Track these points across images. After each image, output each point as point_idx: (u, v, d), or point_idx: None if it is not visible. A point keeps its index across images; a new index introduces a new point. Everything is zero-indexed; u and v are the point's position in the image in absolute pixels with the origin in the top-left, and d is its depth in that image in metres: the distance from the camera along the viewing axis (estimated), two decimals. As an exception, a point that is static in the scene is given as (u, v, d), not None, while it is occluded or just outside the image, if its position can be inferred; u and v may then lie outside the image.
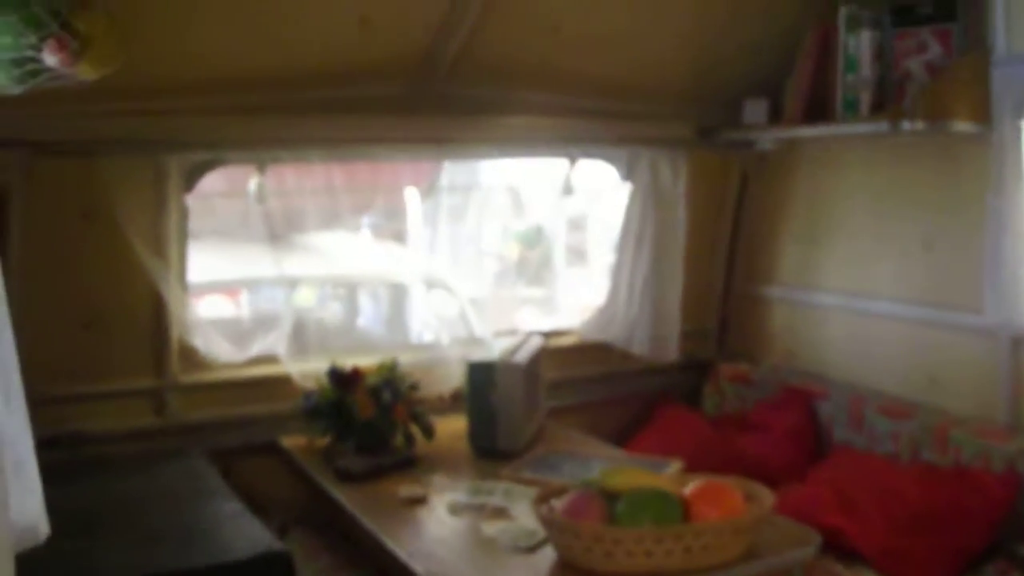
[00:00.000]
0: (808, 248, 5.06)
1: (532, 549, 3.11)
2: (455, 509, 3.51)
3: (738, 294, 5.41)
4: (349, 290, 6.42)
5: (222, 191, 4.56)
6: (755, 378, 5.12)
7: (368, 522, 3.42)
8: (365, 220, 5.86)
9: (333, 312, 6.28)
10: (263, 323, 4.73)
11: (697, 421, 5.04)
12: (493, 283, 6.00)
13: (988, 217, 4.13)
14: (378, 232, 6.36)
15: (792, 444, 4.65)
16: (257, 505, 3.53)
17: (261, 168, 4.29)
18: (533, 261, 7.96)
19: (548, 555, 3.06)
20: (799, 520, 3.34)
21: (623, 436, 4.99)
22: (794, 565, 3.11)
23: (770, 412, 4.84)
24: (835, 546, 3.82)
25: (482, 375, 4.09)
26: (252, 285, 6.24)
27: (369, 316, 6.77)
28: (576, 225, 10.61)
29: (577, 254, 10.57)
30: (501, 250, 8.47)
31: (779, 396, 4.93)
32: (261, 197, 4.31)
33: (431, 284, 5.43)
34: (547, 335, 4.90)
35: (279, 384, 4.42)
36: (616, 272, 5.15)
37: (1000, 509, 3.92)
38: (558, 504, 3.03)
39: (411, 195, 5.98)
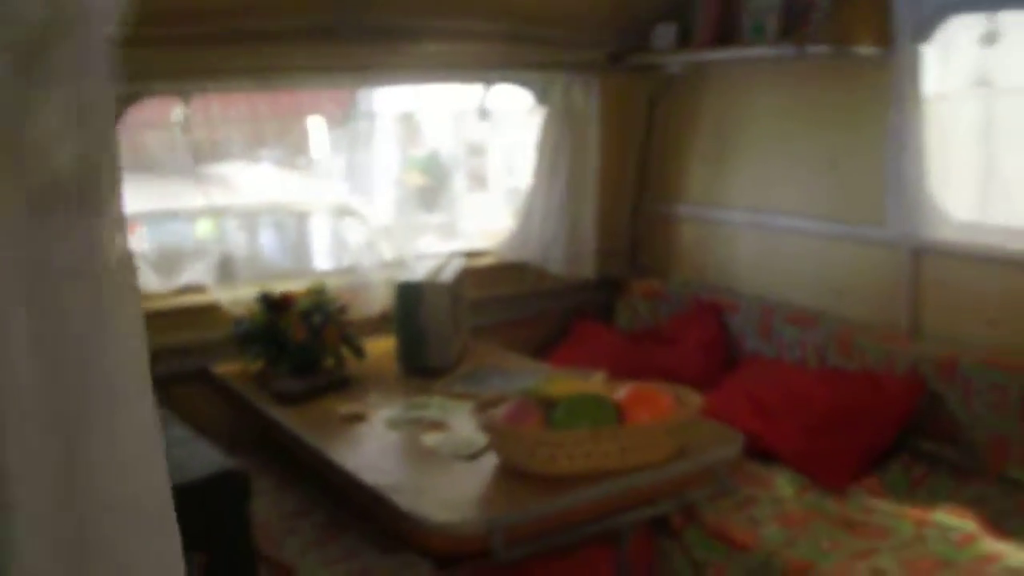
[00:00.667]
0: (716, 168, 5.24)
1: (473, 457, 3.27)
2: (394, 424, 3.63)
3: (649, 213, 5.59)
4: (250, 220, 6.44)
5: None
6: (667, 293, 5.32)
7: (312, 440, 3.53)
8: (268, 151, 5.88)
9: (243, 242, 6.31)
10: (186, 255, 4.76)
11: (612, 335, 5.23)
12: (395, 210, 6.08)
13: (888, 136, 4.34)
14: (284, 162, 6.39)
15: (704, 355, 4.85)
16: (195, 431, 3.58)
17: (186, 99, 4.34)
18: (433, 188, 8.07)
19: (489, 461, 3.21)
20: (716, 425, 3.55)
21: (542, 352, 5.16)
22: (720, 463, 3.31)
23: (682, 325, 5.04)
24: (751, 449, 4.03)
25: (410, 295, 4.20)
26: (151, 218, 6.22)
27: (277, 246, 6.80)
28: (476, 151, 10.67)
29: (478, 180, 10.63)
30: (402, 177, 8.54)
31: (690, 310, 5.13)
32: (186, 128, 4.37)
33: (342, 212, 5.51)
34: (467, 256, 5.02)
35: (208, 312, 4.50)
36: (531, 193, 5.29)
37: (904, 409, 4.17)
38: (498, 412, 3.18)
39: (317, 124, 6.03)
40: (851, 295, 4.61)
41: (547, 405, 3.13)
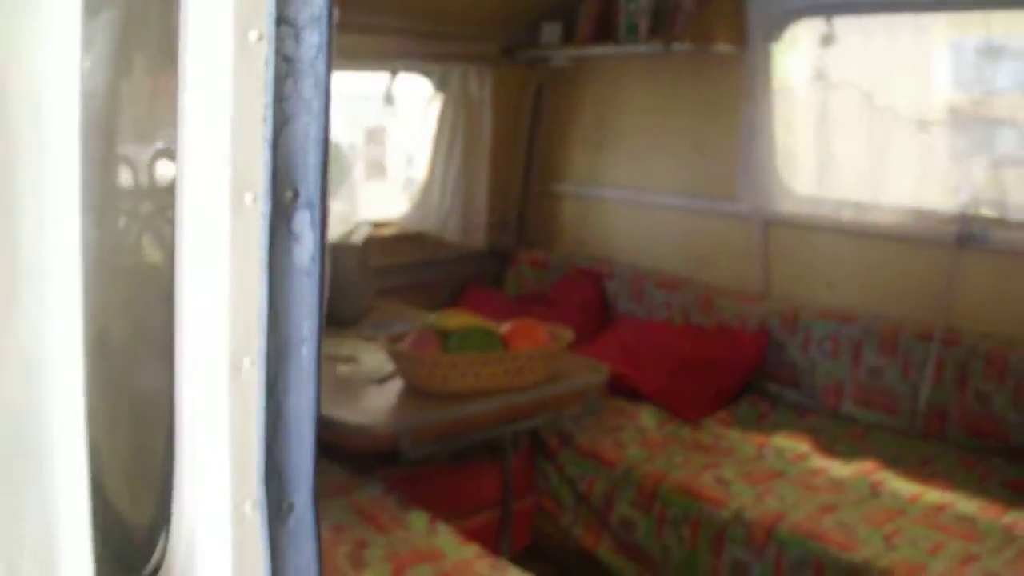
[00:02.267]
0: (595, 151, 5.88)
1: (382, 381, 3.85)
2: (313, 359, 4.19)
3: (535, 191, 6.20)
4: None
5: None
6: (551, 262, 5.94)
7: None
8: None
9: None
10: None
11: (502, 299, 5.83)
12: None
13: (743, 122, 5.03)
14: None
15: (583, 315, 5.46)
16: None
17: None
18: (330, 176, 8.57)
19: (396, 384, 3.80)
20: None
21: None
22: (589, 387, 3.94)
23: (564, 290, 5.66)
24: (621, 389, 4.69)
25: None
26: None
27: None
28: (376, 139, 11.15)
29: (377, 168, 11.11)
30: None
31: (571, 277, 5.77)
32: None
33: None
34: (373, 225, 5.59)
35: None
36: (430, 170, 5.87)
37: (753, 357, 4.87)
38: (403, 342, 3.78)
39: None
40: (711, 262, 5.29)
41: (443, 335, 3.72)
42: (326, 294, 1.19)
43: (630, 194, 5.69)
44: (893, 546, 3.50)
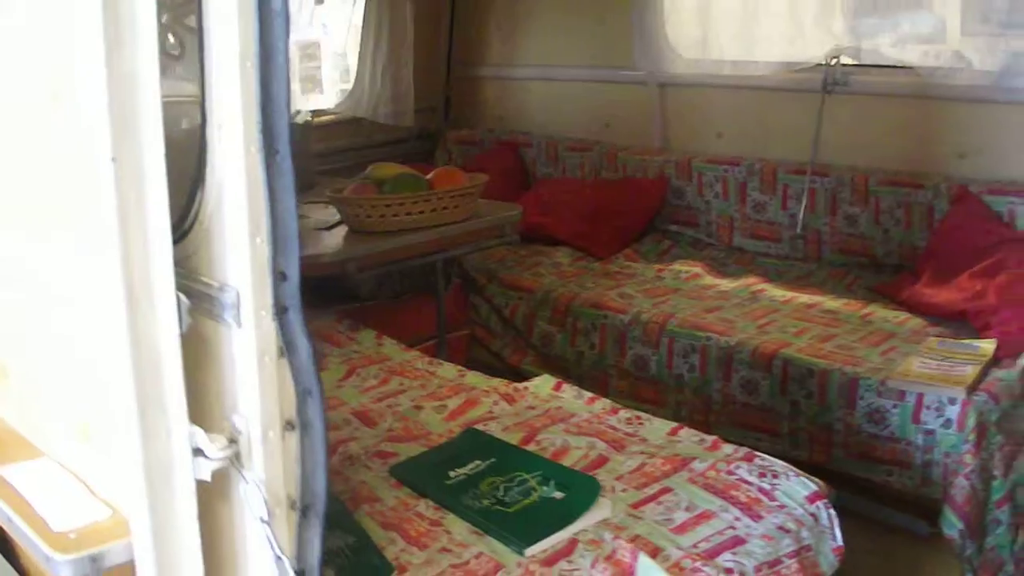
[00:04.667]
0: (509, 33, 6.49)
1: (330, 228, 4.47)
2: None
3: (458, 76, 6.80)
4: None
5: None
6: (475, 139, 6.57)
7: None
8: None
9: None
10: None
11: (433, 174, 6.46)
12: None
13: (634, -4, 5.64)
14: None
15: (506, 181, 6.06)
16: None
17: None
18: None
19: (342, 230, 4.43)
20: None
21: (377, 191, 6.36)
22: (504, 222, 4.58)
23: (488, 161, 6.25)
24: (540, 237, 5.37)
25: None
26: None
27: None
28: (309, 54, 11.59)
29: (312, 82, 11.57)
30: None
31: (494, 150, 6.39)
32: None
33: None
34: (312, 113, 6.19)
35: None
36: (361, 60, 6.44)
37: (655, 201, 5.54)
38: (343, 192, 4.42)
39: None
40: (616, 124, 5.95)
41: (378, 183, 4.36)
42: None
43: (542, 71, 6.31)
44: (765, 331, 4.19)
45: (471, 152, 6.51)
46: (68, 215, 1.74)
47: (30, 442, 2.10)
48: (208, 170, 1.61)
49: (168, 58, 1.69)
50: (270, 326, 1.59)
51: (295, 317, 1.60)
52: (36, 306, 2.02)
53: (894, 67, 4.78)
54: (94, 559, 1.68)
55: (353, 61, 6.59)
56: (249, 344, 1.58)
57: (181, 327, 1.56)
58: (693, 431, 3.12)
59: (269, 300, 1.58)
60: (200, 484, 1.62)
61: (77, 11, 1.48)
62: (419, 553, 2.49)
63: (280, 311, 1.59)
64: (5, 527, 1.91)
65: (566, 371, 4.60)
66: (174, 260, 1.57)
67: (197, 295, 1.63)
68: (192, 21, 1.60)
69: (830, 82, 4.93)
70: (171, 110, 1.61)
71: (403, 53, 6.40)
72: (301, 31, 7.32)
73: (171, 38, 1.72)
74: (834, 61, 4.93)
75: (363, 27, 6.41)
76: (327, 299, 4.45)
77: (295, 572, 1.64)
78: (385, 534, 2.58)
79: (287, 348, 1.61)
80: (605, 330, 4.53)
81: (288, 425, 1.63)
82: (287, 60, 1.53)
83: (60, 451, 1.99)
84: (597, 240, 5.35)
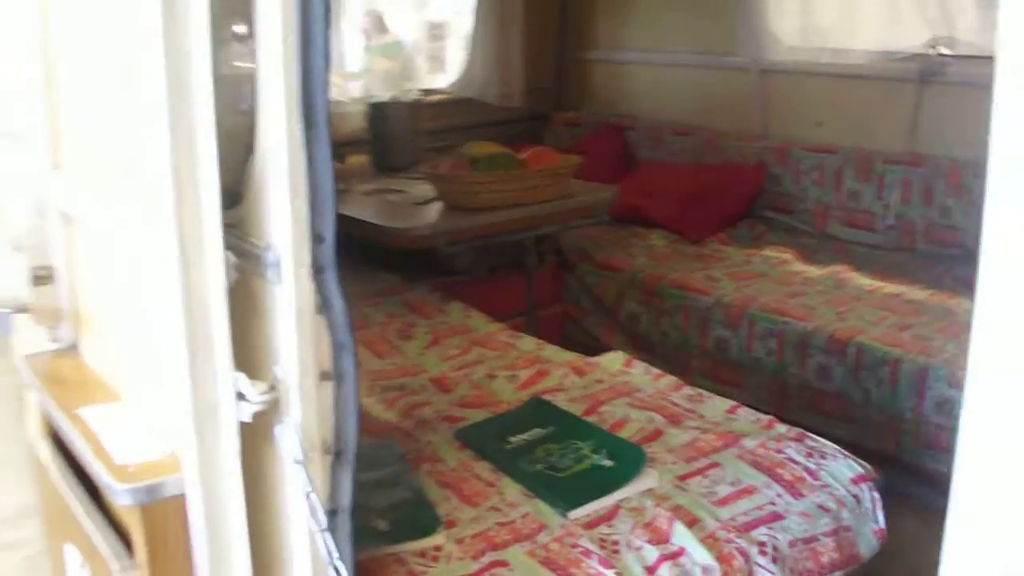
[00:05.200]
0: (617, 19, 6.61)
1: (425, 203, 4.66)
2: (369, 192, 5.02)
3: (568, 59, 6.94)
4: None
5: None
6: (582, 121, 6.70)
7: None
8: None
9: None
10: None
11: (541, 153, 6.62)
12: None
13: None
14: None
15: (611, 164, 6.20)
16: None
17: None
18: (395, 71, 9.32)
19: (437, 206, 4.61)
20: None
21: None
22: (596, 203, 4.73)
23: (593, 144, 6.39)
24: (637, 219, 5.50)
25: (379, 111, 5.56)
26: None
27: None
28: (436, 34, 11.80)
29: (438, 62, 11.78)
30: (369, 64, 9.81)
31: (600, 132, 6.51)
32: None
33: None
34: (425, 92, 6.38)
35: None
36: (473, 41, 6.62)
37: (751, 187, 5.62)
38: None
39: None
40: (717, 110, 6.02)
41: (473, 161, 4.53)
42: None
43: (647, 55, 6.41)
44: (843, 318, 4.26)
45: (578, 134, 6.63)
46: (134, 184, 1.93)
47: (109, 386, 2.31)
48: (257, 140, 1.78)
49: (237, 39, 1.86)
50: (308, 284, 1.76)
51: (331, 276, 1.77)
52: (113, 266, 2.23)
53: (991, 58, 4.78)
54: (149, 489, 1.87)
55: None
56: (289, 300, 1.75)
57: (228, 282, 1.73)
58: (751, 410, 3.22)
59: (307, 260, 1.75)
60: (244, 427, 1.79)
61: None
62: (470, 511, 2.65)
63: (318, 270, 1.76)
64: (79, 460, 2.13)
65: (651, 351, 4.73)
66: (229, 222, 1.76)
67: (246, 255, 1.80)
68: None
69: (927, 72, 4.97)
70: (242, 87, 1.80)
71: (513, 35, 6.56)
72: (430, 10, 7.47)
73: (240, 21, 1.89)
74: (931, 50, 4.97)
75: (476, 9, 6.58)
76: (424, 273, 4.62)
77: (327, 511, 1.81)
78: (441, 492, 2.75)
79: (324, 305, 1.78)
80: (689, 311, 4.64)
81: (323, 375, 1.80)
82: (326, 41, 1.70)
83: (132, 395, 2.19)
84: (692, 223, 5.45)
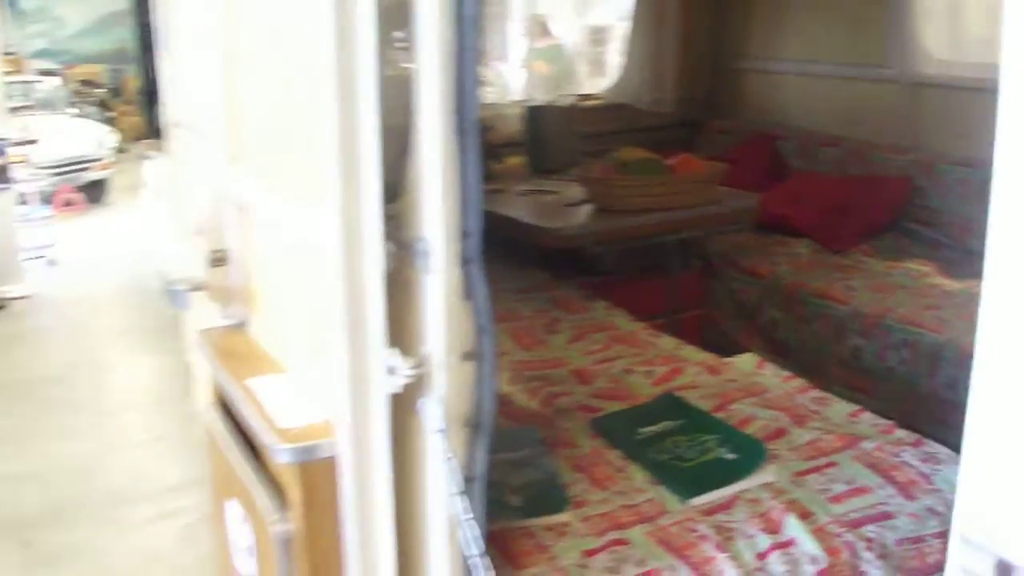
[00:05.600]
0: (770, 29, 6.76)
1: (576, 205, 4.89)
2: (523, 193, 5.27)
3: (722, 67, 7.10)
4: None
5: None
6: (733, 129, 6.86)
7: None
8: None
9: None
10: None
11: (691, 160, 6.80)
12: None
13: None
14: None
15: (761, 172, 6.34)
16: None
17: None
18: (555, 75, 9.58)
19: (587, 208, 4.84)
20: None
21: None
22: (739, 210, 4.91)
23: (744, 152, 6.54)
24: (784, 228, 5.64)
25: (537, 114, 5.81)
26: None
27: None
28: (597, 39, 12.03)
29: (597, 66, 12.00)
30: (530, 66, 10.09)
31: (751, 141, 6.66)
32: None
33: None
34: (581, 96, 6.62)
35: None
36: (628, 48, 6.84)
37: (897, 199, 5.72)
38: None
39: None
40: (866, 121, 6.14)
41: (623, 165, 4.75)
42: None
43: (799, 66, 6.56)
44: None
45: (728, 142, 6.79)
46: (304, 178, 2.21)
47: (273, 360, 2.60)
48: (414, 144, 2.03)
49: (398, 51, 2.11)
50: (455, 273, 1.99)
51: (476, 267, 2.01)
52: (281, 250, 2.52)
53: None
54: (306, 450, 2.14)
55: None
56: (438, 287, 2.00)
57: (385, 269, 1.99)
58: (873, 415, 3.37)
59: (456, 252, 1.99)
60: (393, 398, 2.04)
61: (316, 12, 1.93)
62: (599, 493, 2.88)
63: (464, 262, 1.99)
64: (245, 424, 2.42)
65: (788, 356, 4.88)
66: (389, 215, 2.01)
67: (403, 245, 2.05)
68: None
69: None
70: (403, 88, 2.05)
71: (668, 43, 6.76)
72: (592, 16, 7.68)
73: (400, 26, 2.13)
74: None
75: (633, 16, 6.79)
76: (571, 271, 4.84)
77: (464, 478, 2.06)
78: (574, 475, 2.98)
79: (468, 292, 2.01)
80: (827, 319, 4.78)
81: (466, 355, 2.04)
82: (476, 56, 1.92)
83: (296, 367, 2.47)
84: (837, 234, 5.57)
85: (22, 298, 10.14)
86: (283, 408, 2.30)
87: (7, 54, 12.38)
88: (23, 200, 11.42)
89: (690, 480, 2.92)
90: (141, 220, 10.69)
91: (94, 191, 14.79)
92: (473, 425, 2.08)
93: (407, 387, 2.03)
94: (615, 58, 11.83)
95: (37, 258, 11.31)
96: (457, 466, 2.02)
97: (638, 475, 2.99)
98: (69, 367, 8.17)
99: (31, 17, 22.78)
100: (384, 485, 2.09)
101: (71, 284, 10.92)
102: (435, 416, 2.02)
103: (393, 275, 2.02)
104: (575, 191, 5.01)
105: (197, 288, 2.93)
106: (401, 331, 2.06)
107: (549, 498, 2.82)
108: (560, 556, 2.59)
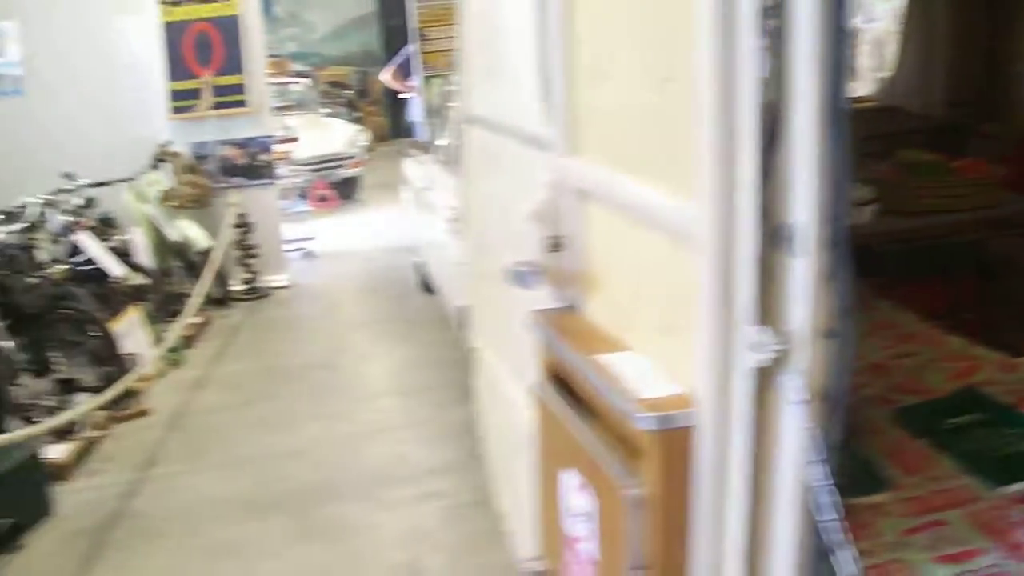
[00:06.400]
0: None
1: (865, 204, 4.91)
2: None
3: (993, 71, 7.00)
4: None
5: None
6: (1006, 135, 6.75)
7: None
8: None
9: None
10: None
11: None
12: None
13: None
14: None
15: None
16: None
17: None
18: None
19: (872, 208, 4.90)
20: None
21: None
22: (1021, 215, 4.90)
23: (1019, 156, 6.45)
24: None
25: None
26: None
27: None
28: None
29: (849, 69, 11.87)
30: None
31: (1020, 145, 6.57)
32: None
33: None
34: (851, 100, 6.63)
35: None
36: (899, 50, 6.83)
37: None
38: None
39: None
40: None
41: (910, 167, 4.80)
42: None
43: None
44: None
45: (1001, 147, 6.69)
46: (665, 165, 2.38)
47: (613, 338, 2.77)
48: (783, 132, 2.12)
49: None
50: (823, 256, 2.11)
51: (842, 251, 2.12)
52: (626, 236, 2.69)
53: None
54: (664, 419, 2.32)
55: (891, 51, 6.95)
56: (806, 269, 2.12)
57: (756, 251, 2.13)
58: None
59: (824, 236, 2.10)
60: (753, 372, 2.19)
61: (694, 12, 2.07)
62: (911, 478, 3.01)
63: (832, 245, 2.11)
64: (596, 397, 2.59)
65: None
66: (760, 202, 2.13)
67: (772, 229, 2.17)
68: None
69: None
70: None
71: (938, 46, 6.71)
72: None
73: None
74: None
75: (904, 18, 6.77)
76: (858, 270, 4.88)
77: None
78: (884, 461, 3.09)
79: (834, 274, 2.13)
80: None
81: (827, 334, 2.16)
82: (849, 42, 2.01)
83: (644, 345, 2.63)
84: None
85: (285, 287, 10.69)
86: (637, 380, 2.47)
87: (270, 56, 13.01)
88: (282, 195, 12.00)
89: (999, 470, 3.00)
90: (398, 215, 11.09)
91: (346, 188, 15.40)
92: (829, 399, 2.20)
93: (771, 361, 2.17)
94: (863, 61, 11.74)
95: (296, 250, 11.87)
96: (819, 433, 2.15)
97: (946, 463, 3.09)
98: (331, 354, 8.60)
99: (283, 22, 23.82)
100: (742, 453, 2.24)
101: (329, 275, 11.45)
102: (795, 390, 2.15)
103: (765, 259, 2.15)
104: (861, 191, 5.06)
105: (536, 271, 3.11)
106: (769, 310, 2.19)
107: (866, 479, 2.94)
108: (883, 533, 2.72)
